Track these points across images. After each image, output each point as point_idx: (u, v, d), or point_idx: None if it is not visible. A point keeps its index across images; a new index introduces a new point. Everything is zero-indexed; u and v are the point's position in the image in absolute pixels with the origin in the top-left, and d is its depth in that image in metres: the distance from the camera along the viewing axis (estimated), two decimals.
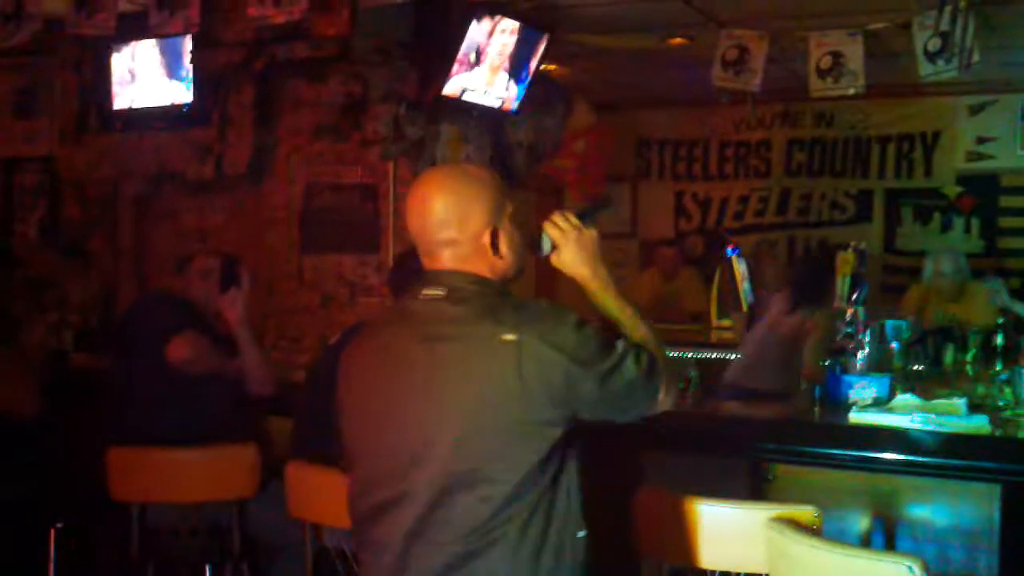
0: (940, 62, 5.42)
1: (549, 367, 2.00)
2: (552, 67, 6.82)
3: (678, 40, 6.46)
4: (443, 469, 2.02)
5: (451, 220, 2.13)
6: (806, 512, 2.50)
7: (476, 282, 2.13)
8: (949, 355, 4.75)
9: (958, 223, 8.09)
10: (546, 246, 2.29)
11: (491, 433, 2.01)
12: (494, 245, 2.16)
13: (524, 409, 2.01)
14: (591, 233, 2.29)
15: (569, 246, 2.27)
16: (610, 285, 2.29)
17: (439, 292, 2.12)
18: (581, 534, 2.09)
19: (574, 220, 2.29)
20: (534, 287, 6.06)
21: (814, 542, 2.32)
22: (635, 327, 2.25)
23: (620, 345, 2.11)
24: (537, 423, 2.02)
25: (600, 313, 2.29)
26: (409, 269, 3.44)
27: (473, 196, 2.15)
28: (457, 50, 5.25)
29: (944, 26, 5.22)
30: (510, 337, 2.01)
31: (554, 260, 2.30)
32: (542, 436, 2.02)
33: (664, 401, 2.18)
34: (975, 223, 8.07)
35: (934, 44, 5.42)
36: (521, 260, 2.23)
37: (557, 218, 2.29)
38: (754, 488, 3.41)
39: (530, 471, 2.01)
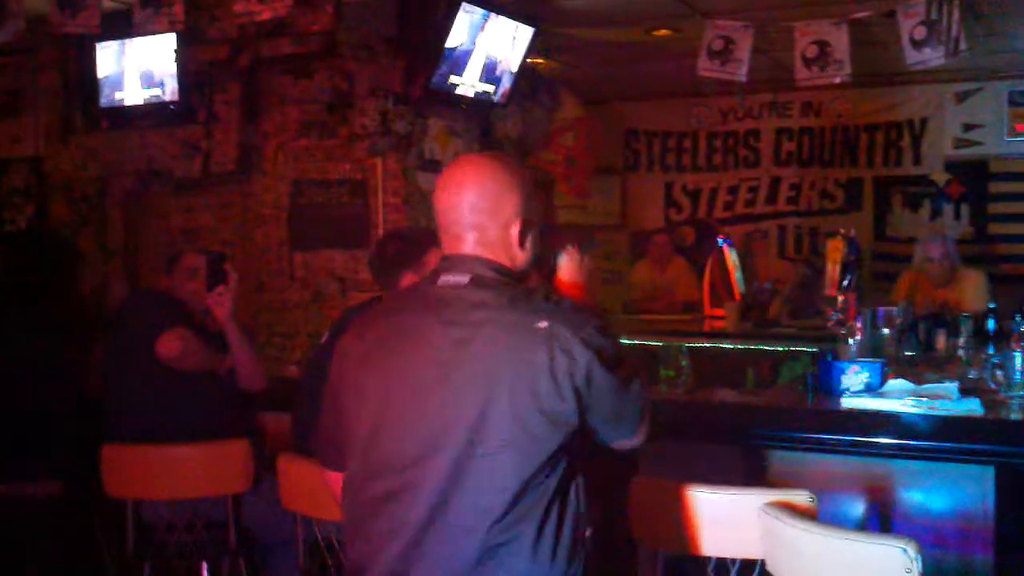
0: (926, 50, 5.42)
1: (577, 360, 1.97)
2: (539, 61, 6.82)
3: (663, 32, 6.47)
4: (456, 455, 1.97)
5: (484, 205, 2.11)
6: (801, 497, 2.50)
7: (498, 270, 2.11)
8: (940, 340, 4.75)
9: (947, 209, 8.11)
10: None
11: (509, 420, 1.95)
12: (522, 237, 2.15)
13: (545, 398, 1.96)
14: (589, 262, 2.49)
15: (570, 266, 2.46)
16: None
17: (462, 278, 2.09)
18: (588, 532, 2.08)
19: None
20: None
21: (809, 526, 2.31)
22: None
23: (631, 364, 2.10)
24: (555, 414, 1.98)
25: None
26: (391, 254, 3.45)
27: (509, 185, 2.13)
28: (443, 43, 5.25)
29: (932, 15, 5.22)
30: (544, 325, 1.98)
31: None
32: (556, 428, 1.99)
33: (642, 432, 2.19)
34: (964, 209, 8.08)
35: (919, 32, 5.42)
36: (536, 258, 2.22)
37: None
38: (749, 475, 3.41)
39: (542, 464, 1.97)
